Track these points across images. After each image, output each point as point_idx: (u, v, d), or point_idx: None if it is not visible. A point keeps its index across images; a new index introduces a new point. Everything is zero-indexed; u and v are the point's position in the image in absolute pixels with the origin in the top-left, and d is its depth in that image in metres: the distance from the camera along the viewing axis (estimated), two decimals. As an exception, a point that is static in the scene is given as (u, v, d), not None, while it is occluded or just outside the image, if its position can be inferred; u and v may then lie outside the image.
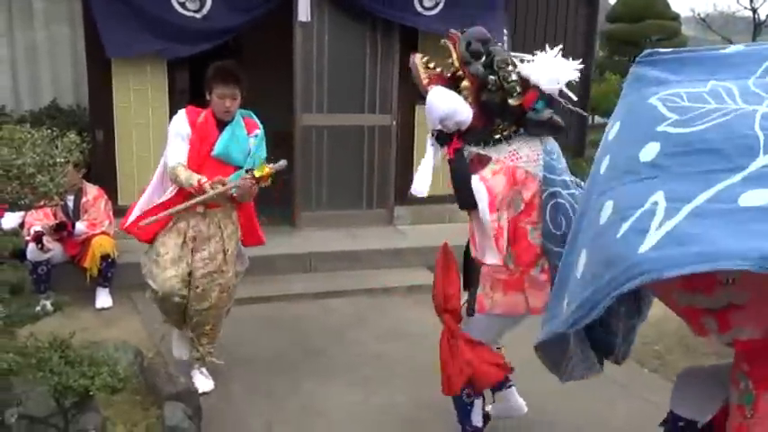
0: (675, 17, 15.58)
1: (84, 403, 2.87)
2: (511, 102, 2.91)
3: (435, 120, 3.08)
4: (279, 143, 5.31)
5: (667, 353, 4.51)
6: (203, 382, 3.87)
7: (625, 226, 1.67)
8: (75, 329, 3.05)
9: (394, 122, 6.73)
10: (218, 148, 3.60)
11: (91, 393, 2.71)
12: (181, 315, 3.80)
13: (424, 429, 3.66)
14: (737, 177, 1.59)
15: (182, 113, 3.66)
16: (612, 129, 1.98)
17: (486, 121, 2.99)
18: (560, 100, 2.98)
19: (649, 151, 1.75)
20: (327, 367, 4.28)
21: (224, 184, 3.48)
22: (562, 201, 2.91)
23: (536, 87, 2.91)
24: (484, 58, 2.95)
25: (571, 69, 2.94)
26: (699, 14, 20.94)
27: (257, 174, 3.51)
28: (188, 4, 5.71)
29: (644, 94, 1.90)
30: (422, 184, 3.15)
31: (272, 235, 6.31)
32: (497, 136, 2.99)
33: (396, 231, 6.72)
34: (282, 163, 3.59)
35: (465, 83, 2.98)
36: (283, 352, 4.42)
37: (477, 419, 3.28)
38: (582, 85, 8.03)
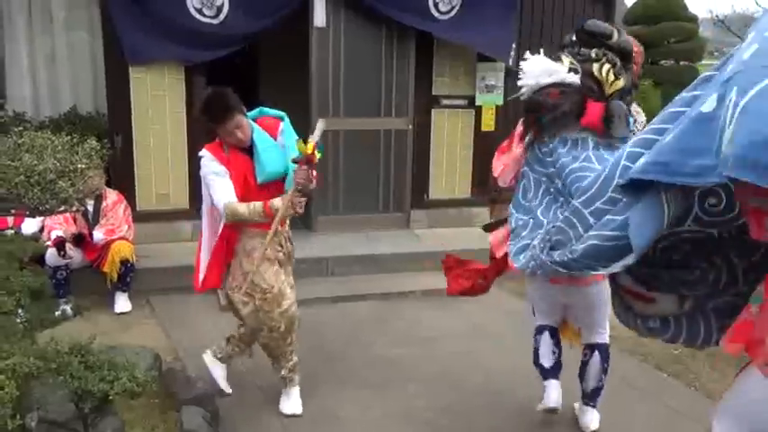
0: (693, 19, 15.45)
1: (103, 407, 2.89)
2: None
3: None
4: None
5: (688, 357, 4.47)
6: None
7: (721, 119, 1.72)
8: (93, 333, 3.07)
9: (410, 126, 6.73)
10: (260, 176, 3.46)
11: (110, 398, 2.73)
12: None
13: (441, 434, 3.65)
14: None
15: (207, 155, 3.45)
16: (747, 39, 2.01)
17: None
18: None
19: (748, 49, 1.76)
20: (345, 371, 4.28)
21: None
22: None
23: None
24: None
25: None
26: (717, 16, 20.76)
27: (303, 156, 3.28)
28: (205, 11, 5.75)
29: None
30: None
31: (289, 239, 6.36)
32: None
33: (412, 235, 6.71)
34: (321, 125, 3.42)
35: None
36: (301, 355, 4.41)
37: (544, 360, 3.55)
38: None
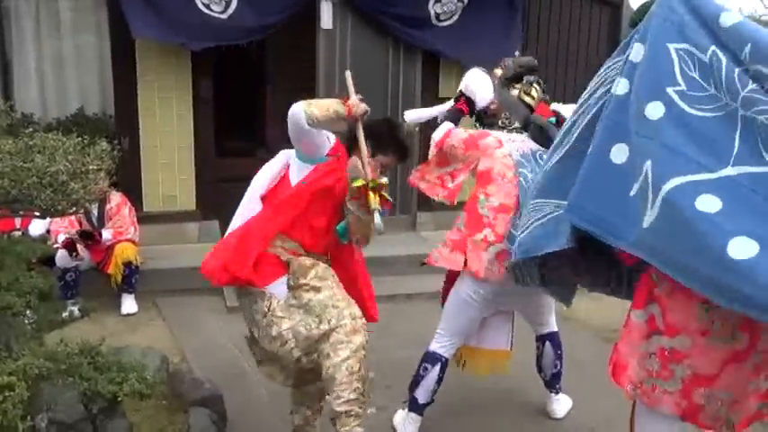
0: (700, 21, 15.44)
1: (111, 409, 2.89)
2: (527, 99, 3.38)
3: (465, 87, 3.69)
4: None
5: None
6: None
7: (635, 186, 1.88)
8: (101, 335, 3.08)
9: (417, 128, 6.72)
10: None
11: (119, 399, 2.73)
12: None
13: (449, 437, 3.65)
14: (703, 176, 1.74)
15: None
16: (636, 50, 2.02)
17: (497, 109, 3.57)
18: None
19: (655, 110, 1.85)
20: (351, 374, 4.26)
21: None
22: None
23: (553, 110, 3.39)
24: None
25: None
26: (723, 18, 20.79)
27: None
28: (213, 6, 5.72)
29: (668, 34, 1.98)
30: (413, 114, 4.07)
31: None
32: (500, 123, 3.56)
33: (418, 237, 6.70)
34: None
35: (498, 70, 3.49)
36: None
37: (421, 393, 3.56)
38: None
